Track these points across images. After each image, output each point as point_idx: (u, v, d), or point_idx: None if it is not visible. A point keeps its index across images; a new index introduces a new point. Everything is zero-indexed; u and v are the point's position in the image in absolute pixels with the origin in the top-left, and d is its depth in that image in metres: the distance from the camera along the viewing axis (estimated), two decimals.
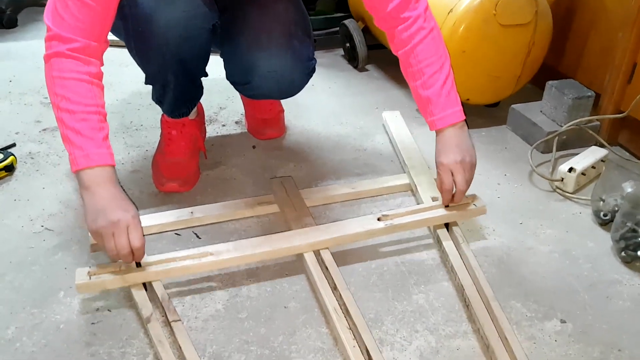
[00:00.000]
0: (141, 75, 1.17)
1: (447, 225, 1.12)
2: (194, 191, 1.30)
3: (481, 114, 1.63)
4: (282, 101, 1.54)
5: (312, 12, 2.10)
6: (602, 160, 1.36)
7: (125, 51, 1.14)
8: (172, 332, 0.92)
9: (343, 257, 1.09)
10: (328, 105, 1.73)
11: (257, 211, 1.21)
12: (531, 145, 1.45)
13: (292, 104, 1.58)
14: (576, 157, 1.35)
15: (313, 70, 1.28)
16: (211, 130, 1.55)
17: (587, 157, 1.34)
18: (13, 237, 1.16)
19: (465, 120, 1.08)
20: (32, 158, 1.42)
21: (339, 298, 0.97)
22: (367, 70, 1.98)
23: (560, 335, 0.95)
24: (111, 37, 1.01)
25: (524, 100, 1.58)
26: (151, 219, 1.15)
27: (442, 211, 1.11)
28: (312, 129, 1.58)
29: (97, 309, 0.99)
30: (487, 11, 1.42)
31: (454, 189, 1.07)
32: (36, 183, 1.33)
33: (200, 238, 1.16)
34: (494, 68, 1.51)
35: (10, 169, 1.34)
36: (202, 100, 1.34)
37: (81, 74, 0.93)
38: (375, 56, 1.95)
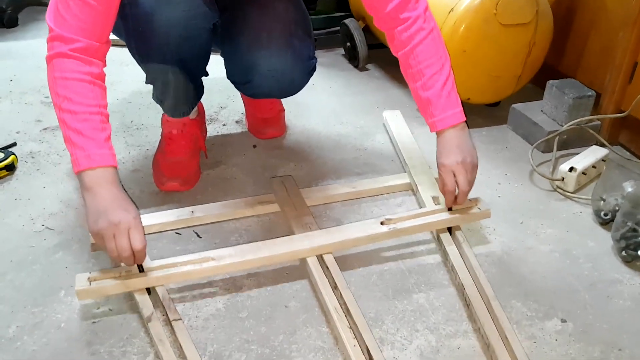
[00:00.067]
0: (142, 74, 1.17)
1: (449, 229, 1.12)
2: (195, 190, 1.30)
3: (482, 113, 1.63)
4: (283, 100, 1.54)
5: (313, 12, 2.10)
6: (602, 160, 1.36)
7: (125, 50, 1.14)
8: (172, 331, 0.92)
9: (344, 260, 1.09)
10: (328, 104, 1.73)
11: (258, 210, 1.21)
12: (532, 145, 1.45)
13: (293, 104, 1.58)
14: (577, 156, 1.35)
15: (313, 70, 1.28)
16: (212, 130, 1.55)
17: (587, 157, 1.34)
18: (14, 236, 1.16)
19: (466, 121, 1.07)
20: (32, 157, 1.42)
21: (340, 297, 0.97)
22: (367, 69, 1.98)
23: (560, 334, 0.95)
24: (112, 36, 1.01)
25: (524, 100, 1.58)
26: (152, 218, 1.15)
27: (446, 215, 1.10)
28: (312, 128, 1.58)
29: (98, 308, 0.99)
30: (488, 11, 1.42)
31: (457, 191, 1.07)
32: (37, 182, 1.33)
33: (200, 237, 1.16)
34: (494, 67, 1.51)
35: (11, 168, 1.35)
36: (202, 100, 1.34)
37: (83, 75, 0.93)
38: (376, 55, 1.95)
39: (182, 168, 1.30)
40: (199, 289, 1.03)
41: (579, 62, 1.59)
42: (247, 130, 1.56)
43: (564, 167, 1.30)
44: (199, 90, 1.28)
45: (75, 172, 0.92)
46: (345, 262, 1.08)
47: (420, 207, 1.23)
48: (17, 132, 1.53)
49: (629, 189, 1.16)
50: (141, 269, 0.96)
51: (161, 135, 1.34)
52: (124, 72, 1.82)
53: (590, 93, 1.45)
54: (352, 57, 2.00)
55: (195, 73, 1.21)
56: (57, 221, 1.20)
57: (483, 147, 1.48)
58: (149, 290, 0.97)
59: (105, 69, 0.98)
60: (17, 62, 1.99)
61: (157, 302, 0.96)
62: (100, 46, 0.95)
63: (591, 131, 1.44)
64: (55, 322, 0.97)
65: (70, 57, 0.92)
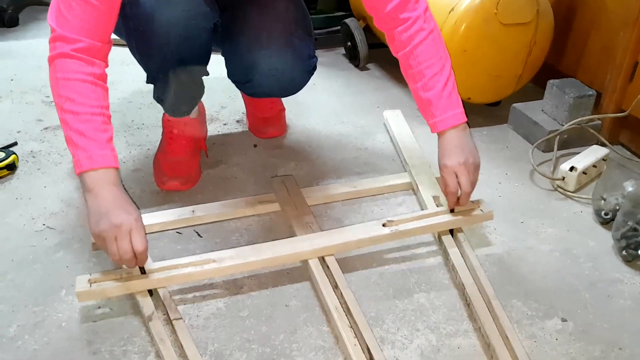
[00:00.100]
0: (142, 74, 1.17)
1: (451, 230, 1.11)
2: (195, 190, 1.31)
3: (482, 113, 1.63)
4: (283, 100, 1.54)
5: (313, 11, 2.10)
6: (603, 159, 1.36)
7: (126, 50, 1.14)
8: (173, 330, 0.92)
9: (345, 262, 1.08)
10: (329, 104, 1.73)
11: (258, 210, 1.21)
12: (532, 144, 1.45)
13: (293, 103, 1.58)
14: (577, 156, 1.35)
15: (314, 69, 1.28)
16: (212, 129, 1.55)
17: (588, 156, 1.34)
18: (14, 235, 1.16)
19: (467, 121, 1.07)
20: (33, 157, 1.42)
21: (340, 297, 0.97)
22: (368, 69, 1.98)
23: (561, 334, 0.95)
24: (113, 36, 1.01)
25: (525, 99, 1.58)
26: (152, 218, 1.15)
27: (448, 217, 1.10)
28: (313, 127, 1.58)
29: (99, 307, 0.99)
30: (488, 10, 1.42)
31: (459, 192, 1.06)
32: (37, 182, 1.33)
33: (201, 237, 1.16)
34: (495, 67, 1.51)
35: (11, 167, 1.35)
36: (203, 99, 1.34)
37: (85, 75, 0.92)
38: (377, 55, 1.95)
39: (183, 167, 1.30)
40: (199, 288, 1.04)
41: (580, 62, 1.59)
42: (247, 129, 1.56)
43: (565, 166, 1.30)
44: (200, 89, 1.28)
45: (76, 173, 0.92)
46: (346, 263, 1.08)
47: (421, 206, 1.23)
48: (18, 132, 1.53)
49: (630, 189, 1.16)
50: (143, 270, 0.96)
51: (162, 134, 1.34)
52: (125, 72, 1.82)
53: (590, 92, 1.45)
54: (353, 57, 2.00)
55: (195, 72, 1.21)
56: (58, 220, 1.20)
57: (484, 147, 1.48)
58: (150, 292, 0.97)
59: (106, 69, 0.98)
60: (18, 61, 1.99)
61: (158, 302, 0.96)
62: (103, 46, 0.95)
63: (592, 131, 1.44)
64: (56, 321, 0.97)
65: (73, 58, 0.91)
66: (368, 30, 1.93)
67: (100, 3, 0.92)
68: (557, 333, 0.95)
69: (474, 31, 1.44)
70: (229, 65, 1.28)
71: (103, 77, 0.96)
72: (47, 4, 0.95)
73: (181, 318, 0.93)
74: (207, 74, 1.24)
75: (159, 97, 1.22)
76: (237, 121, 1.61)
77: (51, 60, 0.93)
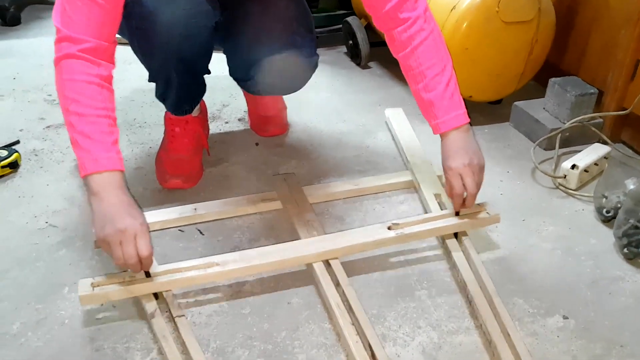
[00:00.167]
0: (144, 72, 1.17)
1: (455, 233, 1.10)
2: (197, 188, 1.31)
3: (484, 111, 1.63)
4: (285, 98, 1.55)
5: (315, 10, 2.10)
6: (604, 157, 1.36)
7: (128, 49, 1.14)
8: (176, 327, 0.92)
9: (349, 265, 1.07)
10: (330, 102, 1.73)
11: (260, 208, 1.21)
12: (534, 143, 1.45)
13: (295, 101, 1.58)
14: (579, 154, 1.35)
15: (315, 66, 1.28)
16: (214, 127, 1.56)
17: (589, 154, 1.34)
18: (17, 233, 1.16)
19: (470, 122, 1.06)
20: (36, 155, 1.43)
21: (342, 294, 0.97)
22: (369, 67, 1.98)
23: (562, 331, 0.96)
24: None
25: (526, 98, 1.58)
26: (154, 216, 1.15)
27: (454, 220, 1.09)
28: (314, 126, 1.59)
29: (102, 305, 0.99)
30: (490, 8, 1.42)
31: (465, 194, 1.04)
32: (40, 180, 1.33)
33: (203, 234, 1.16)
34: (496, 65, 1.51)
35: (14, 165, 1.35)
36: (205, 98, 1.34)
37: (91, 77, 0.91)
38: (378, 53, 1.95)
39: (185, 165, 1.30)
40: (202, 285, 1.03)
41: (581, 60, 1.59)
42: (249, 127, 1.56)
43: (566, 164, 1.31)
44: (202, 88, 1.28)
45: (81, 176, 0.91)
46: (350, 266, 1.07)
47: (423, 205, 1.23)
48: (21, 130, 1.54)
49: (631, 187, 1.16)
50: (147, 274, 0.95)
51: (164, 132, 1.34)
52: (127, 70, 1.82)
53: (592, 91, 1.45)
54: (354, 55, 2.00)
55: (197, 71, 1.22)
56: (61, 218, 1.20)
57: (485, 145, 1.48)
58: (156, 295, 0.96)
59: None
60: (20, 60, 1.99)
61: (161, 299, 0.96)
62: (109, 46, 0.94)
63: (593, 129, 1.44)
64: (59, 318, 0.97)
65: (79, 59, 0.91)
66: (370, 28, 1.93)
67: (106, 2, 0.91)
68: (558, 330, 0.96)
69: (476, 29, 1.44)
70: (230, 63, 1.28)
71: (109, 79, 0.95)
72: (49, 3, 0.95)
73: (183, 315, 0.94)
74: (209, 72, 1.25)
75: (161, 95, 1.23)
76: (239, 119, 1.61)
77: (57, 61, 0.91)
